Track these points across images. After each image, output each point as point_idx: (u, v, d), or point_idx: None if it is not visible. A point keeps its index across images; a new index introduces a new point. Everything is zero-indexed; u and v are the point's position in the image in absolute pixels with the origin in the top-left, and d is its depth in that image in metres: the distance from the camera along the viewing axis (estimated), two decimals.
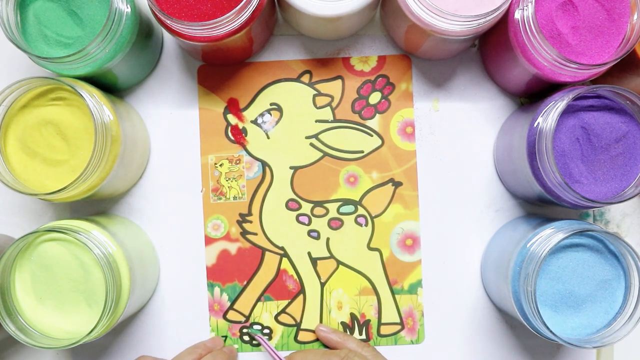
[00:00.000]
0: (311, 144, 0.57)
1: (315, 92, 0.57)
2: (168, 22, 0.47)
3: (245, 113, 0.57)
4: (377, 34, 0.58)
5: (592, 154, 0.48)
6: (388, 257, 0.57)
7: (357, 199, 0.57)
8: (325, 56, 0.58)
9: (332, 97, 0.57)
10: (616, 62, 0.46)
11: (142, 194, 0.58)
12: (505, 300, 0.51)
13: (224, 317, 0.57)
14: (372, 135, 0.57)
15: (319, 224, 0.57)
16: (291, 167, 0.57)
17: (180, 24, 0.47)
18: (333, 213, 0.57)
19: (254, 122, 0.57)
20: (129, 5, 0.49)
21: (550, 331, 0.45)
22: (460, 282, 0.57)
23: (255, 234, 0.57)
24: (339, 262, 0.57)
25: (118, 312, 0.49)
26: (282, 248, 0.57)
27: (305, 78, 0.57)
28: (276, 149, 0.57)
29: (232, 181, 0.57)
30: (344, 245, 0.57)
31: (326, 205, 0.57)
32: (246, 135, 0.57)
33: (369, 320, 0.57)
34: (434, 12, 0.47)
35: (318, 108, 0.57)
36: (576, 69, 0.47)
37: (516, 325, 0.57)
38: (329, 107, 0.57)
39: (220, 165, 0.57)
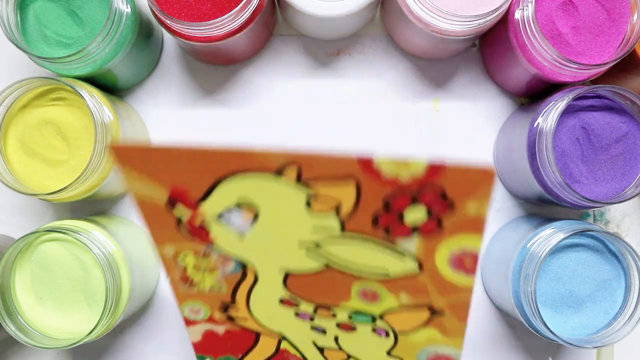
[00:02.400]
0: (308, 250, 0.36)
1: (310, 191, 0.33)
2: (168, 22, 0.47)
3: (202, 208, 0.35)
4: (377, 34, 0.58)
5: (592, 154, 0.48)
6: None
7: (377, 314, 0.39)
8: (326, 56, 0.58)
9: (338, 202, 0.34)
10: (616, 62, 0.46)
11: None
12: (505, 300, 0.51)
13: None
14: (404, 256, 0.35)
15: (325, 323, 0.41)
16: (282, 269, 0.38)
17: (180, 24, 0.47)
18: (342, 317, 0.40)
19: (220, 217, 0.35)
20: (129, 5, 0.49)
21: (550, 331, 0.45)
22: None
23: (245, 318, 0.42)
24: (350, 357, 0.43)
25: (118, 312, 0.49)
26: (279, 332, 0.43)
27: (290, 173, 0.32)
28: (257, 249, 0.37)
29: (204, 273, 0.39)
30: (357, 346, 0.42)
31: (334, 309, 0.40)
32: (210, 230, 0.36)
33: None
34: (434, 12, 0.47)
35: (316, 213, 0.34)
36: (576, 69, 0.47)
37: (516, 325, 0.57)
38: (334, 215, 0.34)
39: (185, 255, 0.38)
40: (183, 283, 0.40)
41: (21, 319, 0.49)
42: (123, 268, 0.49)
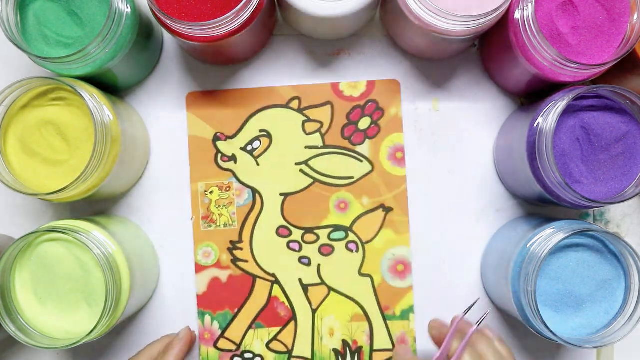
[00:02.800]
0: (301, 171, 0.57)
1: (304, 119, 0.57)
2: (168, 22, 0.47)
3: (234, 140, 0.57)
4: (377, 34, 0.58)
5: (592, 154, 0.48)
6: (380, 283, 0.57)
7: (348, 225, 0.57)
8: (326, 56, 0.58)
9: (321, 123, 0.57)
10: (616, 62, 0.46)
11: (142, 194, 0.58)
12: (505, 300, 0.51)
13: (215, 346, 0.56)
14: (362, 161, 0.57)
15: (310, 251, 0.57)
16: (281, 194, 0.57)
17: (180, 24, 0.47)
18: (324, 239, 0.57)
19: (244, 149, 0.57)
20: (129, 5, 0.49)
21: (551, 331, 0.45)
22: (460, 282, 0.57)
23: (246, 261, 0.57)
24: (330, 289, 0.57)
25: (118, 312, 0.49)
26: (273, 275, 0.57)
27: (294, 104, 0.57)
28: (266, 175, 0.57)
29: (222, 208, 0.57)
30: (335, 272, 0.57)
31: (317, 231, 0.57)
32: (236, 162, 0.57)
33: (361, 347, 0.56)
34: (434, 12, 0.47)
35: (308, 134, 0.57)
36: (576, 69, 0.47)
37: (516, 325, 0.57)
38: (318, 134, 0.57)
39: (211, 192, 0.57)
40: (204, 221, 0.57)
41: (21, 319, 0.49)
42: (123, 268, 0.49)
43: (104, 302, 0.47)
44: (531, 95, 0.56)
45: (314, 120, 0.57)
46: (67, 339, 0.48)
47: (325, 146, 0.57)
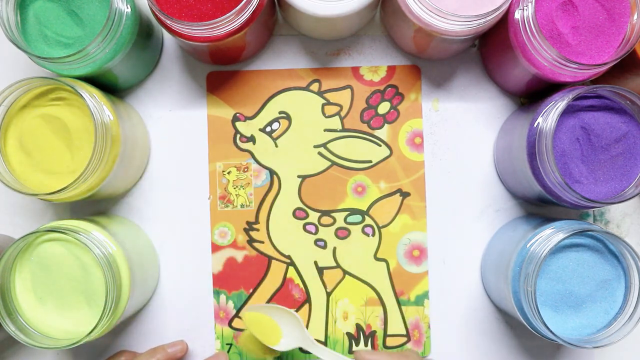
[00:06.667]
0: (319, 153, 0.57)
1: (324, 101, 0.57)
2: (168, 22, 0.47)
3: (254, 121, 0.57)
4: (377, 34, 0.58)
5: (592, 154, 0.48)
6: (395, 268, 0.57)
7: (365, 209, 0.57)
8: (326, 56, 0.58)
9: (341, 106, 0.57)
10: (616, 62, 0.46)
11: (142, 194, 0.58)
12: (506, 300, 0.51)
13: (229, 325, 0.57)
14: (380, 145, 0.57)
15: (326, 233, 0.57)
16: (299, 176, 0.57)
17: (180, 24, 0.47)
18: (340, 222, 0.57)
19: (262, 130, 0.57)
20: (129, 5, 0.49)
21: (550, 331, 0.45)
22: (460, 282, 0.57)
23: (262, 242, 0.57)
24: (345, 272, 0.57)
25: (118, 312, 0.49)
26: (288, 257, 0.57)
27: (315, 87, 0.57)
28: (284, 157, 0.57)
29: (239, 189, 0.57)
30: (350, 255, 0.57)
31: (333, 214, 0.57)
32: (254, 143, 0.57)
33: (374, 332, 0.57)
34: (434, 12, 0.47)
35: (327, 117, 0.57)
36: (576, 69, 0.47)
37: (516, 325, 0.57)
38: (337, 117, 0.57)
39: (228, 172, 0.57)
40: (221, 202, 0.57)
41: (21, 319, 0.49)
42: (123, 268, 0.49)
43: (104, 302, 0.47)
44: (531, 95, 0.56)
45: (334, 104, 0.57)
46: (67, 339, 0.48)
47: (344, 129, 0.57)
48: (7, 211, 0.58)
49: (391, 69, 0.57)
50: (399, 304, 0.57)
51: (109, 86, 0.54)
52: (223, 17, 0.46)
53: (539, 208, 0.58)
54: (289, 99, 0.57)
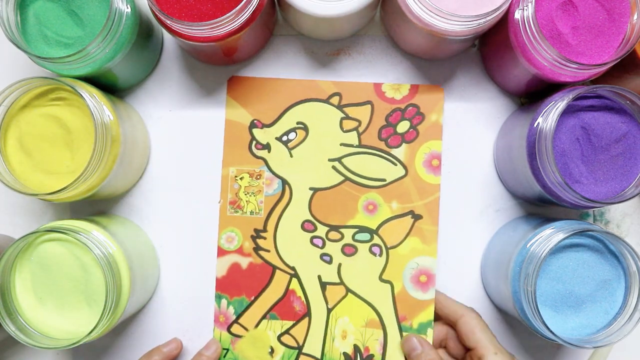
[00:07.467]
0: (333, 167, 0.56)
1: (343, 115, 0.56)
2: (168, 22, 0.47)
3: (271, 129, 0.56)
4: (377, 34, 0.58)
5: (592, 154, 0.48)
6: (399, 292, 0.55)
7: (374, 228, 0.56)
8: (326, 56, 0.58)
9: (359, 121, 0.56)
10: (616, 62, 0.46)
11: (142, 194, 0.58)
12: (505, 300, 0.51)
13: (228, 330, 0.56)
14: (396, 165, 0.56)
15: (333, 249, 0.56)
16: (311, 188, 0.56)
17: (180, 24, 0.47)
18: (348, 239, 0.56)
19: (279, 139, 0.56)
20: (129, 5, 0.49)
21: (550, 331, 0.45)
22: (460, 282, 0.57)
23: (268, 250, 0.56)
24: (348, 290, 0.56)
25: (118, 312, 0.49)
26: (293, 268, 0.56)
27: (335, 100, 0.56)
28: (298, 168, 0.56)
29: (250, 196, 0.56)
30: (355, 273, 0.56)
31: (342, 230, 0.56)
32: (269, 151, 0.56)
33: (372, 355, 0.55)
34: (434, 12, 0.47)
35: (344, 131, 0.56)
36: (576, 69, 0.47)
37: (516, 325, 0.57)
38: (355, 132, 0.56)
39: (241, 178, 0.56)
40: (231, 207, 0.56)
41: (21, 319, 0.49)
42: (123, 268, 0.49)
43: (104, 302, 0.47)
44: (531, 95, 0.56)
45: (352, 118, 0.56)
46: (67, 339, 0.48)
47: (360, 145, 0.56)
48: (7, 211, 0.58)
49: (414, 88, 0.56)
50: (401, 330, 0.55)
51: (109, 86, 0.54)
52: (223, 17, 0.46)
53: (539, 208, 0.58)
54: (308, 110, 0.56)
